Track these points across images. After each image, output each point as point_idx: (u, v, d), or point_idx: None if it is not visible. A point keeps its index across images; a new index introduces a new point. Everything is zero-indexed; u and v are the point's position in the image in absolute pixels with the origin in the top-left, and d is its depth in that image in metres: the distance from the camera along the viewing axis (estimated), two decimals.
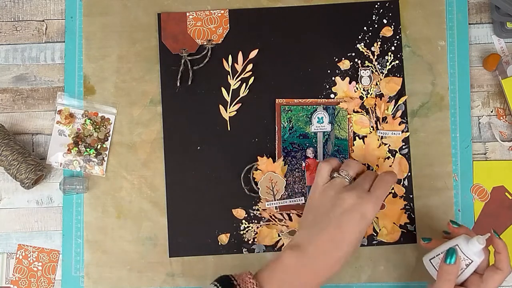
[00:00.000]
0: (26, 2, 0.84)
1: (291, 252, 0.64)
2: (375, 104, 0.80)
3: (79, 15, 0.82)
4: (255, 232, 0.79)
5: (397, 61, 0.81)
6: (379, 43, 0.81)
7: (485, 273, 0.66)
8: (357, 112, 0.80)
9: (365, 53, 0.81)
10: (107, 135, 0.81)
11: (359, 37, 0.81)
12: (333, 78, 0.81)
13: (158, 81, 0.81)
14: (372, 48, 0.81)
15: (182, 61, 0.81)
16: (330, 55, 0.81)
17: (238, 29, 0.81)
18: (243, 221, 0.79)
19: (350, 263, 0.79)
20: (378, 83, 0.80)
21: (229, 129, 0.80)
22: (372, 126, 0.80)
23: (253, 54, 0.81)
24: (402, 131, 0.80)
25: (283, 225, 0.79)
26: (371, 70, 0.80)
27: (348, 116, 0.80)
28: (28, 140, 0.82)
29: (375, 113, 0.80)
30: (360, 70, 0.80)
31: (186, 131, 0.80)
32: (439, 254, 0.68)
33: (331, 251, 0.63)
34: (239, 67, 0.81)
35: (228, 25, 0.81)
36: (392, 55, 0.81)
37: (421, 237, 0.74)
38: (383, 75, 0.81)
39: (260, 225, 0.79)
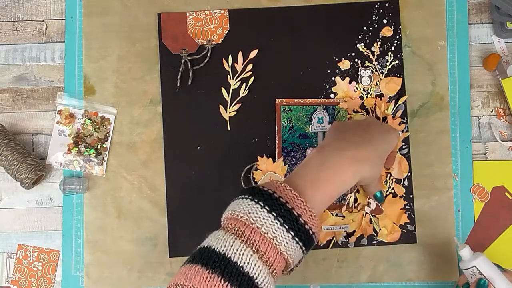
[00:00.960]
0: (26, 2, 0.84)
1: (317, 152, 0.63)
2: (375, 104, 0.80)
3: (79, 15, 0.82)
4: None
5: (397, 61, 0.81)
6: (379, 43, 0.81)
7: None
8: (357, 112, 0.80)
9: (365, 53, 0.81)
10: (107, 135, 0.81)
11: (359, 37, 0.81)
12: (333, 78, 0.81)
13: (158, 81, 0.81)
14: (372, 48, 0.81)
15: (182, 61, 0.81)
16: (330, 55, 0.81)
17: (238, 29, 0.81)
18: None
19: (350, 263, 0.79)
20: (378, 83, 0.80)
21: (229, 129, 0.80)
22: None
23: (253, 54, 0.81)
24: (402, 131, 0.80)
25: None
26: (371, 70, 0.80)
27: (348, 116, 0.80)
28: (28, 140, 0.82)
29: (375, 113, 0.80)
30: (360, 70, 0.80)
31: (186, 131, 0.80)
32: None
33: (355, 148, 0.62)
34: (239, 67, 0.81)
35: (228, 25, 0.81)
36: (392, 55, 0.81)
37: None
38: (383, 75, 0.81)
39: None
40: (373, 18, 0.81)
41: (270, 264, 0.55)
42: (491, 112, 0.82)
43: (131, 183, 0.80)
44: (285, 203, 0.56)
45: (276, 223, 0.55)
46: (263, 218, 0.55)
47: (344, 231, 0.79)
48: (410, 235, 0.79)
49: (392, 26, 0.81)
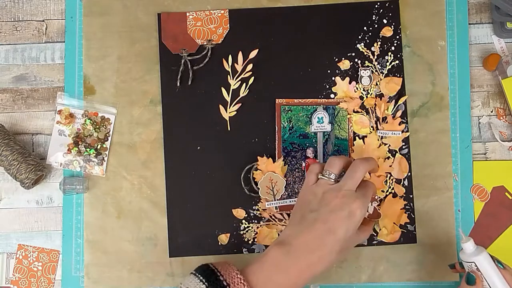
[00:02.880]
0: (26, 2, 0.84)
1: (277, 248, 0.63)
2: (375, 104, 0.80)
3: (79, 15, 0.82)
4: (255, 232, 0.79)
5: (397, 61, 0.81)
6: (379, 43, 0.81)
7: None
8: (357, 112, 0.80)
9: (365, 53, 0.81)
10: (107, 135, 0.81)
11: (359, 37, 0.81)
12: (333, 78, 0.81)
13: (158, 81, 0.81)
14: (372, 48, 0.81)
15: (182, 61, 0.81)
16: (330, 55, 0.81)
17: (238, 29, 0.81)
18: (243, 221, 0.79)
19: (350, 263, 0.79)
20: (378, 83, 0.80)
21: (229, 129, 0.80)
22: (372, 126, 0.80)
23: (253, 54, 0.81)
24: (402, 131, 0.80)
25: (283, 225, 0.79)
26: (371, 70, 0.80)
27: (348, 116, 0.80)
28: (28, 140, 0.82)
29: (375, 113, 0.80)
30: (360, 70, 0.80)
31: (186, 131, 0.80)
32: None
33: (317, 247, 0.63)
34: (239, 67, 0.81)
35: (228, 25, 0.81)
36: (392, 55, 0.81)
37: (448, 265, 0.74)
38: (383, 75, 0.81)
39: (260, 225, 0.79)
40: (373, 18, 0.81)
41: None
42: (491, 112, 0.82)
43: (131, 183, 0.80)
44: (226, 286, 0.60)
45: None
46: None
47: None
48: (410, 235, 0.79)
49: (392, 26, 0.81)
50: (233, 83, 0.81)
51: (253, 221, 0.79)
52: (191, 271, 0.63)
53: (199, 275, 0.62)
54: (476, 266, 0.67)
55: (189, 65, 0.81)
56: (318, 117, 0.80)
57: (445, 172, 0.80)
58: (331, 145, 0.79)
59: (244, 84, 0.81)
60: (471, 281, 0.67)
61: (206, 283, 0.60)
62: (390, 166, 0.79)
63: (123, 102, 0.81)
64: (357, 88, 0.80)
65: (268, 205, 0.78)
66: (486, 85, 0.82)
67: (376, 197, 0.79)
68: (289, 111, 0.80)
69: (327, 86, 0.81)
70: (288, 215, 0.79)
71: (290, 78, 0.81)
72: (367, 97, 0.80)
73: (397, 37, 0.81)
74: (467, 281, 0.67)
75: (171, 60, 0.81)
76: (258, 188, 0.78)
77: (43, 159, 0.81)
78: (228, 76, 0.81)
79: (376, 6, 0.81)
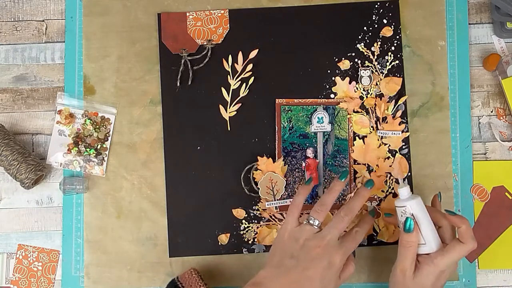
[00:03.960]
0: (26, 2, 0.84)
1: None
2: (375, 104, 0.80)
3: (79, 15, 0.82)
4: (255, 232, 0.79)
5: (397, 61, 0.81)
6: (379, 43, 0.81)
7: (448, 244, 0.67)
8: (357, 112, 0.80)
9: (365, 53, 0.81)
10: (107, 135, 0.81)
11: (359, 37, 0.81)
12: (333, 78, 0.81)
13: (158, 81, 0.81)
14: (372, 48, 0.81)
15: (182, 61, 0.81)
16: (330, 55, 0.81)
17: (238, 29, 0.81)
18: (243, 221, 0.79)
19: None
20: (378, 83, 0.80)
21: (229, 129, 0.80)
22: (372, 126, 0.80)
23: (253, 54, 0.81)
24: (402, 131, 0.80)
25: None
26: (371, 70, 0.80)
27: (348, 116, 0.80)
28: (28, 140, 0.82)
29: (375, 113, 0.80)
30: (360, 70, 0.80)
31: (186, 131, 0.80)
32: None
33: None
34: (239, 67, 0.81)
35: (228, 25, 0.81)
36: (392, 55, 0.81)
37: (384, 213, 0.74)
38: (383, 75, 0.81)
39: (260, 225, 0.79)
40: (373, 18, 0.81)
41: None
42: (491, 112, 0.82)
43: (131, 183, 0.80)
44: None
45: None
46: None
47: (344, 231, 0.79)
48: None
49: (392, 26, 0.81)
50: (233, 83, 0.81)
51: (253, 221, 0.79)
52: None
53: None
54: (409, 210, 0.67)
55: (189, 65, 0.81)
56: (318, 117, 0.80)
57: (445, 172, 0.80)
58: (331, 145, 0.79)
59: (244, 84, 0.81)
60: (409, 226, 0.67)
61: None
62: (390, 166, 0.79)
63: (123, 102, 0.81)
64: (357, 88, 0.80)
65: (268, 205, 0.78)
66: (486, 85, 0.82)
67: (376, 197, 0.79)
68: (289, 111, 0.80)
69: (327, 86, 0.81)
70: None
71: (290, 78, 0.81)
72: (367, 97, 0.80)
73: (397, 37, 0.81)
74: (405, 228, 0.67)
75: (171, 60, 0.81)
76: (258, 188, 0.78)
77: (43, 159, 0.81)
78: (228, 76, 0.81)
79: (376, 6, 0.81)
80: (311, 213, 0.68)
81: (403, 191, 0.69)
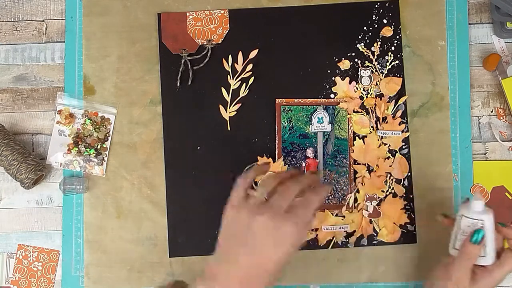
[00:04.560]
0: (26, 2, 0.84)
1: (202, 285, 0.56)
2: (375, 104, 0.80)
3: (79, 15, 0.82)
4: None
5: (397, 61, 0.81)
6: (379, 43, 0.81)
7: (502, 256, 0.66)
8: (357, 112, 0.80)
9: (365, 53, 0.81)
10: (107, 135, 0.81)
11: (359, 37, 0.81)
12: (333, 78, 0.81)
13: (158, 81, 0.81)
14: (372, 48, 0.81)
15: (182, 61, 0.81)
16: (330, 55, 0.81)
17: (238, 29, 0.81)
18: None
19: (350, 263, 0.79)
20: (378, 83, 0.80)
21: (229, 129, 0.80)
22: (372, 126, 0.80)
23: (253, 54, 0.81)
24: (402, 131, 0.80)
25: None
26: (371, 70, 0.80)
27: (348, 116, 0.80)
28: (28, 140, 0.82)
29: (375, 113, 0.80)
30: (360, 70, 0.80)
31: (186, 131, 0.80)
32: (458, 236, 0.67)
33: (248, 281, 0.56)
34: (239, 67, 0.81)
35: (228, 25, 0.81)
36: (392, 55, 0.81)
37: (442, 212, 0.72)
38: (383, 75, 0.81)
39: None
40: (373, 18, 0.81)
41: None
42: (491, 112, 0.82)
43: (131, 183, 0.80)
44: None
45: None
46: None
47: (344, 231, 0.79)
48: (410, 235, 0.79)
49: (392, 26, 0.81)
50: (233, 83, 0.81)
51: None
52: None
53: None
54: (482, 224, 0.65)
55: (189, 65, 0.81)
56: (318, 117, 0.80)
57: (445, 172, 0.80)
58: (331, 145, 0.79)
59: (244, 84, 0.81)
60: (478, 238, 0.65)
61: None
62: (390, 166, 0.79)
63: (123, 102, 0.81)
64: (357, 88, 0.80)
65: None
66: (486, 85, 0.82)
67: (376, 197, 0.79)
68: (289, 111, 0.80)
69: (327, 86, 0.81)
70: None
71: (290, 78, 0.81)
72: (367, 97, 0.80)
73: (397, 37, 0.81)
74: (475, 238, 0.65)
75: (171, 60, 0.81)
76: None
77: (43, 159, 0.81)
78: (228, 76, 0.81)
79: (376, 6, 0.81)
80: (259, 183, 0.61)
81: (478, 204, 0.66)
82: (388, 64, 0.81)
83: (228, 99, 0.80)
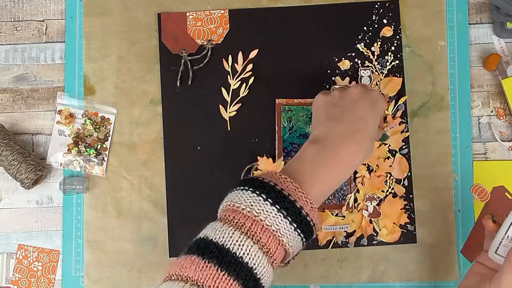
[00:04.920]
0: (26, 2, 0.84)
1: (313, 146, 0.61)
2: None
3: (79, 15, 0.82)
4: None
5: (397, 61, 0.81)
6: (379, 43, 0.81)
7: None
8: None
9: (365, 53, 0.81)
10: (107, 135, 0.81)
11: (359, 37, 0.81)
12: (333, 78, 0.81)
13: (158, 81, 0.81)
14: (372, 48, 0.81)
15: (182, 61, 0.81)
16: (330, 55, 0.81)
17: (238, 29, 0.81)
18: None
19: (350, 263, 0.79)
20: (378, 83, 0.80)
21: (229, 129, 0.80)
22: None
23: (253, 54, 0.81)
24: (402, 131, 0.80)
25: None
26: (371, 70, 0.80)
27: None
28: (28, 140, 0.82)
29: None
30: (360, 70, 0.81)
31: (186, 131, 0.80)
32: (502, 241, 0.62)
33: (352, 135, 0.61)
34: (239, 67, 0.81)
35: (228, 25, 0.81)
36: (392, 55, 0.81)
37: (488, 214, 0.66)
38: (383, 75, 0.81)
39: None
40: (373, 18, 0.81)
41: (271, 255, 0.55)
42: (491, 112, 0.82)
43: (131, 183, 0.80)
44: (287, 195, 0.56)
45: (280, 215, 0.55)
46: (266, 211, 0.55)
47: (344, 231, 0.79)
48: (410, 235, 0.79)
49: (392, 26, 0.81)
50: (233, 83, 0.81)
51: None
52: (235, 188, 0.59)
53: (254, 189, 0.57)
54: None
55: (189, 65, 0.81)
56: None
57: (445, 172, 0.80)
58: None
59: (244, 84, 0.81)
60: None
61: (268, 199, 0.55)
62: (390, 166, 0.79)
63: (123, 102, 0.81)
64: None
65: None
66: (486, 85, 0.82)
67: (376, 197, 0.79)
68: (289, 111, 0.80)
69: (327, 86, 0.81)
70: None
71: (290, 78, 0.81)
72: None
73: (397, 37, 0.81)
74: None
75: (171, 60, 0.81)
76: None
77: (43, 159, 0.81)
78: (228, 76, 0.81)
79: (376, 6, 0.81)
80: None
81: None
82: (388, 64, 0.81)
83: (228, 99, 0.80)
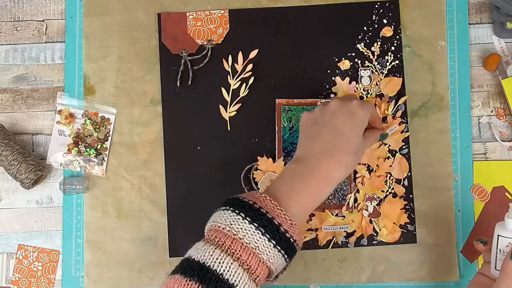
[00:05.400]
0: (26, 2, 0.84)
1: (294, 164, 0.63)
2: (375, 104, 0.80)
3: (79, 15, 0.82)
4: None
5: (397, 61, 0.81)
6: (379, 43, 0.81)
7: None
8: None
9: (365, 53, 0.81)
10: (107, 135, 0.81)
11: (359, 37, 0.81)
12: (333, 78, 0.81)
13: (158, 81, 0.81)
14: (372, 48, 0.81)
15: (182, 61, 0.81)
16: (330, 55, 0.81)
17: (238, 29, 0.81)
18: None
19: (350, 263, 0.79)
20: (378, 83, 0.80)
21: (229, 129, 0.80)
22: None
23: (253, 54, 0.81)
24: (402, 131, 0.80)
25: None
26: (371, 70, 0.80)
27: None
28: (28, 140, 0.82)
29: None
30: (360, 70, 0.80)
31: (186, 131, 0.80)
32: (497, 256, 0.64)
33: (331, 152, 0.63)
34: (239, 67, 0.81)
35: (228, 25, 0.81)
36: (392, 55, 0.81)
37: (475, 240, 0.68)
38: (383, 75, 0.81)
39: None
40: (373, 18, 0.81)
41: (253, 272, 0.56)
42: (491, 112, 0.82)
43: (131, 183, 0.80)
44: (266, 213, 0.57)
45: (258, 233, 0.57)
46: (245, 229, 0.57)
47: (344, 231, 0.79)
48: (410, 235, 0.79)
49: (392, 26, 0.81)
50: (233, 83, 0.81)
51: None
52: (218, 208, 0.61)
53: (234, 208, 0.59)
54: None
55: (189, 65, 0.81)
56: None
57: (445, 172, 0.80)
58: None
59: (244, 84, 0.81)
60: None
61: (246, 217, 0.57)
62: (390, 166, 0.79)
63: (123, 102, 0.81)
64: (357, 88, 0.80)
65: None
66: (486, 85, 0.82)
67: (376, 197, 0.79)
68: (289, 111, 0.80)
69: (327, 86, 0.81)
70: None
71: (290, 78, 0.81)
72: (367, 97, 0.80)
73: (397, 37, 0.81)
74: None
75: (171, 60, 0.81)
76: (258, 188, 0.78)
77: (43, 159, 0.81)
78: (228, 76, 0.81)
79: (376, 6, 0.81)
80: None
81: None
82: (388, 64, 0.81)
83: (228, 99, 0.80)
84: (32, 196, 0.81)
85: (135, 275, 0.79)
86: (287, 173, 0.63)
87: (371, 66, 0.81)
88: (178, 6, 0.82)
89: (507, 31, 0.81)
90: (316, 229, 0.79)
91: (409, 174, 0.79)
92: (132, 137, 0.81)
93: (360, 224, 0.78)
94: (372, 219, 0.78)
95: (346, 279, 0.79)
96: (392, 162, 0.79)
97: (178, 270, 0.57)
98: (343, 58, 0.81)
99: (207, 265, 0.55)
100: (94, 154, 0.80)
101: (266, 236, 0.56)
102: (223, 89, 0.80)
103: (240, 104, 0.80)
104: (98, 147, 0.80)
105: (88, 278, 0.79)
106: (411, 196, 0.79)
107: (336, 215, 0.79)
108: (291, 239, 0.58)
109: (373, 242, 0.79)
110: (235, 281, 0.55)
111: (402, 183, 0.79)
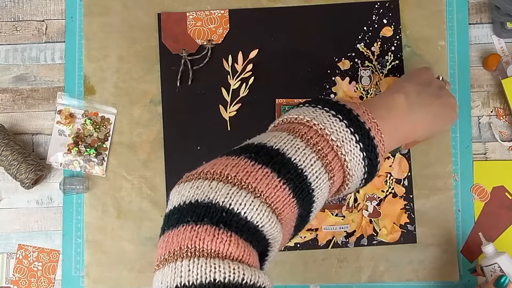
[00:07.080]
0: (26, 2, 0.84)
1: (404, 99, 0.59)
2: None
3: (79, 15, 0.82)
4: None
5: (397, 61, 0.81)
6: (379, 43, 0.81)
7: None
8: None
9: (365, 53, 0.81)
10: (107, 135, 0.81)
11: (359, 37, 0.81)
12: (333, 78, 0.81)
13: (158, 81, 0.81)
14: (372, 48, 0.81)
15: (182, 61, 0.81)
16: (330, 55, 0.81)
17: (238, 29, 0.81)
18: None
19: (350, 263, 0.79)
20: (378, 83, 0.80)
21: (229, 129, 0.80)
22: None
23: (253, 54, 0.81)
24: None
25: None
26: (371, 70, 0.80)
27: None
28: (28, 140, 0.82)
29: None
30: (360, 70, 0.80)
31: (186, 131, 0.80)
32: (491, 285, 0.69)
33: (434, 111, 0.62)
34: (239, 67, 0.81)
35: (228, 25, 0.81)
36: (392, 55, 0.81)
37: (468, 270, 0.75)
38: (383, 75, 0.81)
39: None
40: (373, 18, 0.81)
41: (332, 176, 0.49)
42: (491, 112, 0.82)
43: (131, 183, 0.80)
44: (363, 122, 0.52)
45: (352, 138, 0.50)
46: (343, 136, 0.50)
47: (344, 231, 0.79)
48: (410, 235, 0.79)
49: (392, 26, 0.81)
50: (233, 83, 0.81)
51: None
52: (298, 106, 0.54)
53: (335, 112, 0.51)
54: (499, 267, 0.67)
55: (189, 65, 0.81)
56: None
57: (445, 172, 0.80)
58: None
59: (244, 84, 0.81)
60: (503, 283, 0.66)
61: (345, 122, 0.51)
62: (390, 166, 0.79)
63: (123, 102, 0.81)
64: (357, 88, 0.80)
65: None
66: (486, 85, 0.82)
67: (375, 197, 0.79)
68: None
69: (327, 86, 0.81)
70: None
71: (290, 78, 0.81)
72: (367, 97, 0.80)
73: (397, 37, 0.81)
74: (498, 283, 0.67)
75: (171, 60, 0.81)
76: None
77: (43, 159, 0.81)
78: (228, 76, 0.81)
79: (376, 6, 0.81)
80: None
81: (489, 248, 0.70)
82: (388, 64, 0.81)
83: (228, 99, 0.80)
84: (32, 196, 0.81)
85: (135, 275, 0.79)
86: (397, 105, 0.58)
87: (371, 66, 0.81)
88: (178, 6, 0.82)
89: (507, 31, 0.81)
90: (316, 229, 0.79)
91: (409, 174, 0.79)
92: (132, 137, 0.81)
93: (360, 224, 0.78)
94: (372, 219, 0.78)
95: (346, 279, 0.79)
96: (392, 162, 0.79)
97: (241, 152, 0.48)
98: (343, 58, 0.81)
99: (287, 155, 0.47)
100: (94, 154, 0.80)
101: (359, 145, 0.50)
102: (223, 89, 0.80)
103: (240, 104, 0.80)
104: (98, 147, 0.80)
105: (88, 278, 0.79)
106: (411, 196, 0.79)
107: (336, 215, 0.79)
108: (378, 158, 0.52)
109: (373, 242, 0.79)
110: (315, 181, 0.47)
111: (402, 183, 0.79)
